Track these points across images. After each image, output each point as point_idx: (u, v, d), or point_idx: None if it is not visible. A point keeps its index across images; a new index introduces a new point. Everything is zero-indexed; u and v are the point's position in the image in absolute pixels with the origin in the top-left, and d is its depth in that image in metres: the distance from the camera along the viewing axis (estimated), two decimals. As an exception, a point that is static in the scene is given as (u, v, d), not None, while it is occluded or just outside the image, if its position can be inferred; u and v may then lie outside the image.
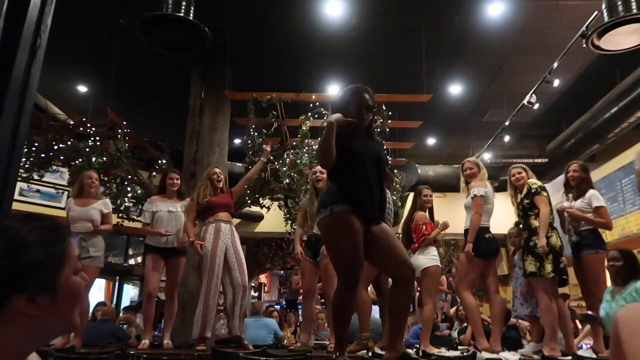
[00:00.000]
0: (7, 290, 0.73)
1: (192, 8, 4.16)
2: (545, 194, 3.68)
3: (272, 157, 5.77)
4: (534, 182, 3.77)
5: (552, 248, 3.55)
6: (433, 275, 3.95)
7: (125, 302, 9.95)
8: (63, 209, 8.21)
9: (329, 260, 3.79)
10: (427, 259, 3.96)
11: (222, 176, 4.17)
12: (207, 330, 3.77)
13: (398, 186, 6.03)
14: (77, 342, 3.82)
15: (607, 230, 3.85)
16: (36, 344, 0.81)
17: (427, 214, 4.16)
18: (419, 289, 4.50)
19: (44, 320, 0.77)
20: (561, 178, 5.88)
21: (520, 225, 3.91)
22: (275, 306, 9.22)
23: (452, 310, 7.25)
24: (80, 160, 5.63)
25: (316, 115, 5.80)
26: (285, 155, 5.70)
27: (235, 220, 5.01)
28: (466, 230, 3.85)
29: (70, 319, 0.82)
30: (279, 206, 6.04)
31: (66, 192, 7.91)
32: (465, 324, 6.23)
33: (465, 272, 3.78)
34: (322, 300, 7.42)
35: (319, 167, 4.19)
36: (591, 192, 3.78)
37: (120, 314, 6.67)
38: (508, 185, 4.02)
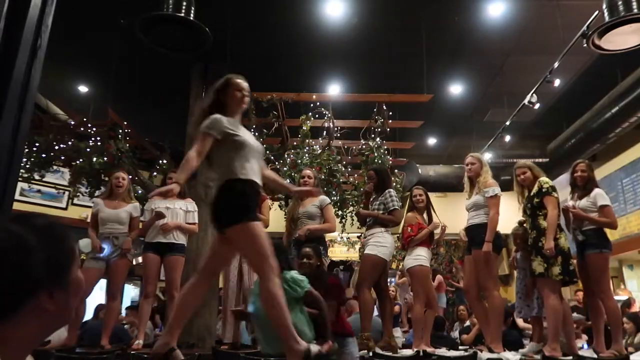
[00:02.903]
0: (31, 289, 0.78)
1: (193, 8, 4.17)
2: (555, 195, 3.66)
3: (272, 157, 5.79)
4: (546, 181, 3.75)
5: (561, 250, 3.54)
6: (418, 275, 3.95)
7: (125, 302, 9.94)
8: (64, 208, 8.34)
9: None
10: (412, 259, 3.96)
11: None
12: (226, 334, 3.93)
13: (399, 186, 6.03)
14: (103, 341, 3.88)
15: (608, 230, 3.83)
16: (44, 337, 0.86)
17: (417, 213, 4.15)
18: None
19: (56, 315, 0.82)
20: (562, 178, 5.86)
21: (525, 225, 3.90)
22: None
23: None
24: (81, 160, 5.63)
25: (317, 115, 5.80)
26: (286, 156, 5.70)
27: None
28: (471, 228, 3.85)
29: (72, 312, 0.87)
30: (279, 206, 6.03)
31: (67, 192, 7.92)
32: (467, 324, 6.23)
33: (491, 270, 3.76)
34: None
35: (307, 172, 4.19)
36: (596, 191, 3.76)
37: (122, 314, 6.68)
38: (514, 183, 4.01)
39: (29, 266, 0.77)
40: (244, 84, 2.62)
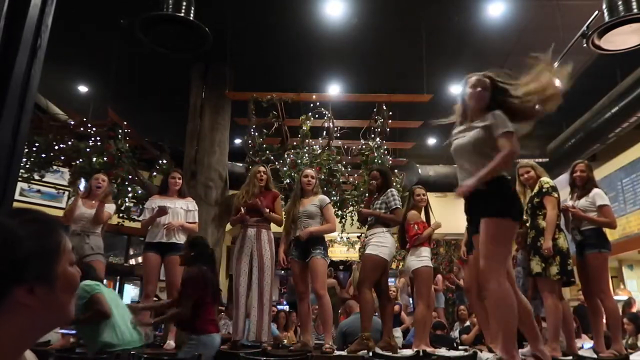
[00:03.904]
0: (7, 282, 0.74)
1: (192, 8, 4.17)
2: (555, 195, 3.66)
3: (272, 157, 5.78)
4: (547, 181, 3.74)
5: (560, 250, 3.54)
6: (423, 276, 3.95)
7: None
8: (64, 209, 8.32)
9: (318, 259, 3.83)
10: (417, 260, 3.96)
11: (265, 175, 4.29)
12: (237, 332, 3.91)
13: (399, 186, 6.03)
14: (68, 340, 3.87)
15: (608, 230, 3.83)
16: (34, 337, 0.82)
17: (420, 213, 4.16)
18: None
19: (43, 312, 0.78)
20: (562, 178, 5.85)
21: (528, 224, 3.90)
22: (279, 307, 9.19)
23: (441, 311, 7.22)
24: (80, 160, 5.63)
25: (317, 115, 5.80)
26: (286, 155, 5.69)
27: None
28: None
29: (67, 311, 0.83)
30: (279, 206, 6.04)
31: (67, 192, 7.92)
32: (467, 324, 6.24)
33: None
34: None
35: (310, 171, 4.20)
36: (595, 190, 3.76)
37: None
38: (517, 183, 4.01)
39: (6, 259, 0.74)
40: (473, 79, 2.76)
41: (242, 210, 4.01)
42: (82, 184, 4.04)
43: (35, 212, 0.84)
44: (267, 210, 4.07)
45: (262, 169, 4.30)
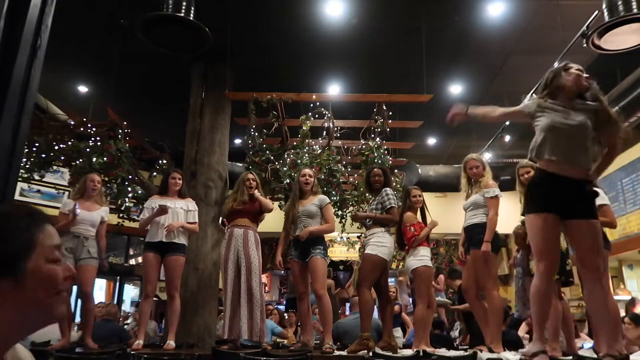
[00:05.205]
0: None
1: (193, 8, 4.17)
2: None
3: (272, 157, 5.79)
4: None
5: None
6: (422, 276, 3.95)
7: (126, 303, 9.99)
8: (64, 209, 8.34)
9: (317, 259, 3.83)
10: (416, 260, 3.96)
11: (254, 182, 4.27)
12: (226, 331, 3.90)
13: (398, 186, 6.03)
14: (87, 341, 3.88)
15: (608, 229, 3.83)
16: (14, 334, 0.79)
17: (416, 213, 4.16)
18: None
19: (14, 309, 0.75)
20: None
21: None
22: (278, 306, 9.20)
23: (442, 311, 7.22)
24: (80, 160, 5.63)
25: (316, 115, 5.80)
26: (286, 155, 5.70)
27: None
28: (469, 227, 3.84)
29: (49, 308, 0.80)
30: (279, 206, 6.04)
31: (67, 192, 7.93)
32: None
33: (490, 269, 3.75)
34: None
35: (308, 170, 4.21)
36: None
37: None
38: (517, 183, 4.01)
39: None
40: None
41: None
42: (77, 210, 3.94)
43: (21, 208, 0.82)
44: (258, 194, 4.13)
45: (250, 176, 4.30)
